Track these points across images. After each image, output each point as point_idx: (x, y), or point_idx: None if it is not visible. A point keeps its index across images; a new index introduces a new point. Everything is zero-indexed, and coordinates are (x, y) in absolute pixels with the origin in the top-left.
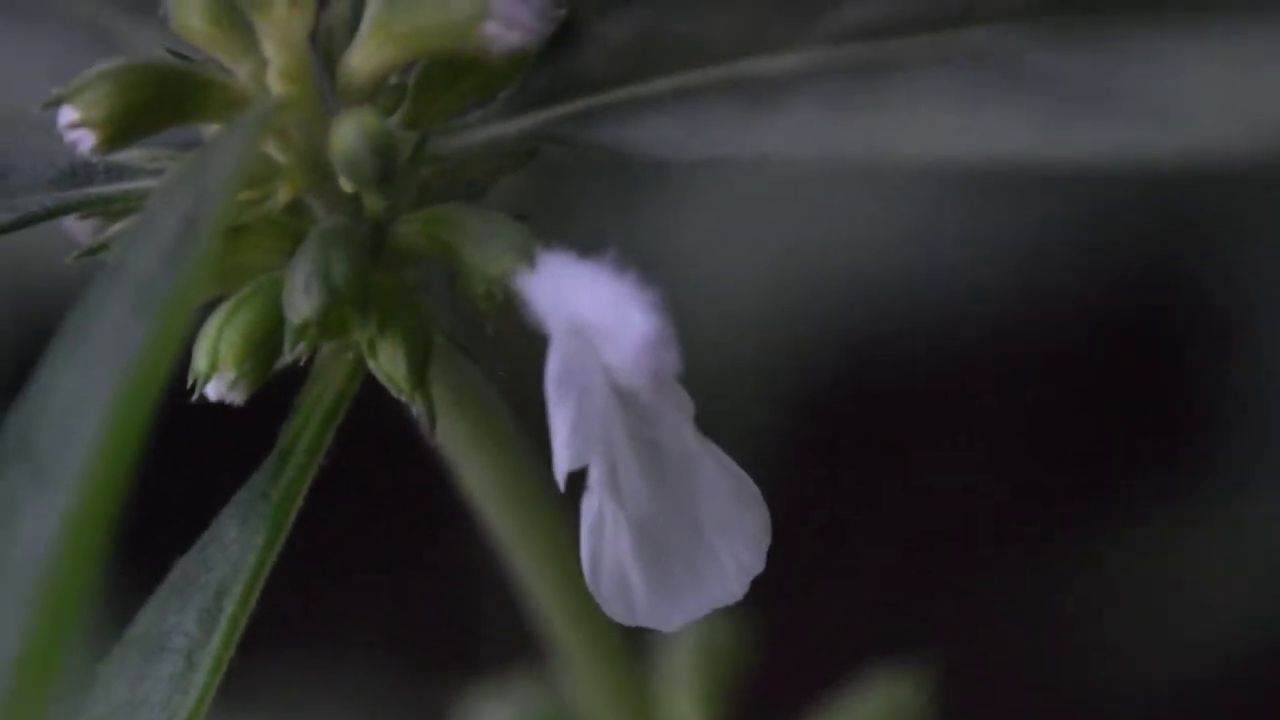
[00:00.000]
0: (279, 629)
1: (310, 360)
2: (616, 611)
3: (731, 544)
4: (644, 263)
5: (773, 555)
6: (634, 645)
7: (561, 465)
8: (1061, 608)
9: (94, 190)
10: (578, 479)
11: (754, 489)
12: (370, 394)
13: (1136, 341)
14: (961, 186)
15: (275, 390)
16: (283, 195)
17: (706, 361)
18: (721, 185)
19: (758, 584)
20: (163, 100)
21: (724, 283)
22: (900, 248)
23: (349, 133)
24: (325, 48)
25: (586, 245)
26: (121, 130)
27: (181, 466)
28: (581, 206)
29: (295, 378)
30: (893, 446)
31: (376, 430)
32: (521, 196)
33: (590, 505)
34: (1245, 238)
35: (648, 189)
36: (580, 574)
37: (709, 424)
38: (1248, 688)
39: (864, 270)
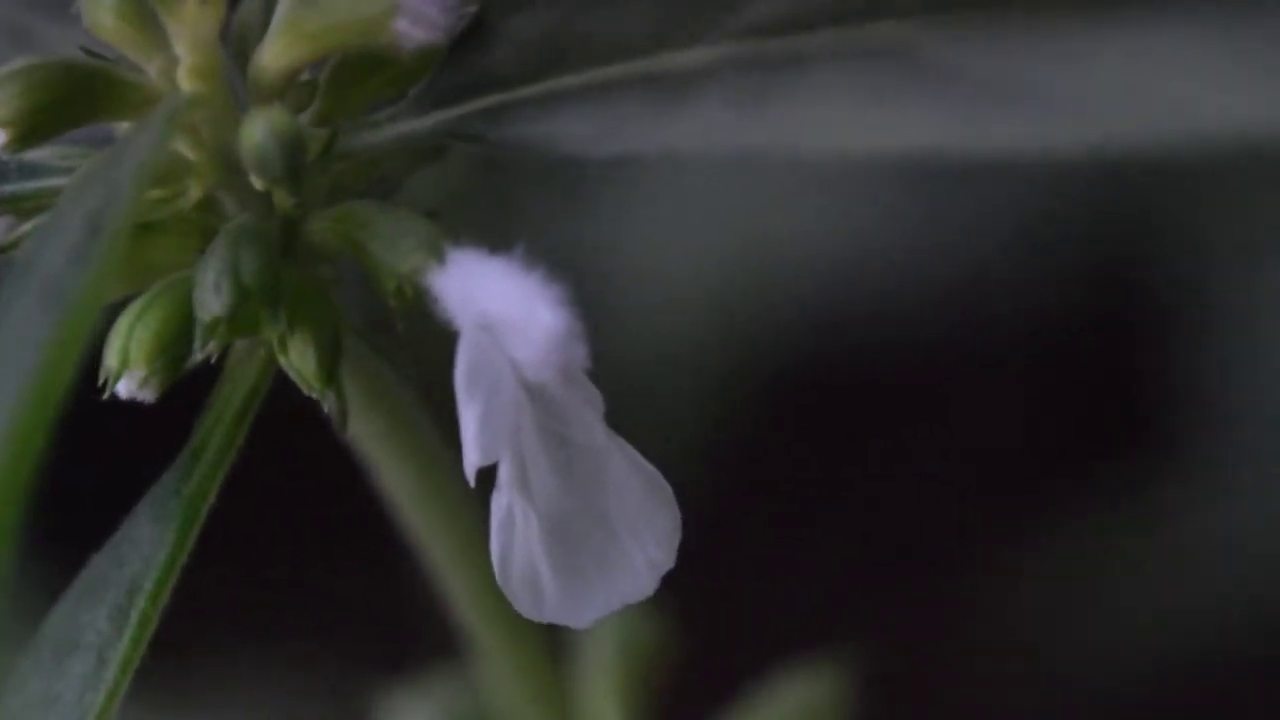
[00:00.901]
0: (203, 627)
1: (222, 358)
2: (526, 608)
3: (642, 540)
4: (568, 258)
5: (702, 550)
6: (553, 643)
7: (471, 461)
8: (1009, 604)
9: (5, 188)
10: (489, 476)
11: (665, 486)
12: (293, 391)
13: (1094, 336)
14: (911, 180)
15: (190, 387)
16: (194, 193)
17: (649, 355)
18: (667, 180)
19: (680, 580)
20: (73, 98)
21: (670, 277)
22: (847, 242)
23: (259, 130)
24: (236, 45)
25: (531, 241)
26: (32, 128)
27: (98, 464)
28: (521, 208)
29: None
30: (835, 442)
31: (299, 427)
32: (441, 192)
33: (500, 502)
34: (1209, 231)
35: (595, 184)
36: (491, 570)
37: (648, 418)
38: (1208, 689)
39: (810, 264)
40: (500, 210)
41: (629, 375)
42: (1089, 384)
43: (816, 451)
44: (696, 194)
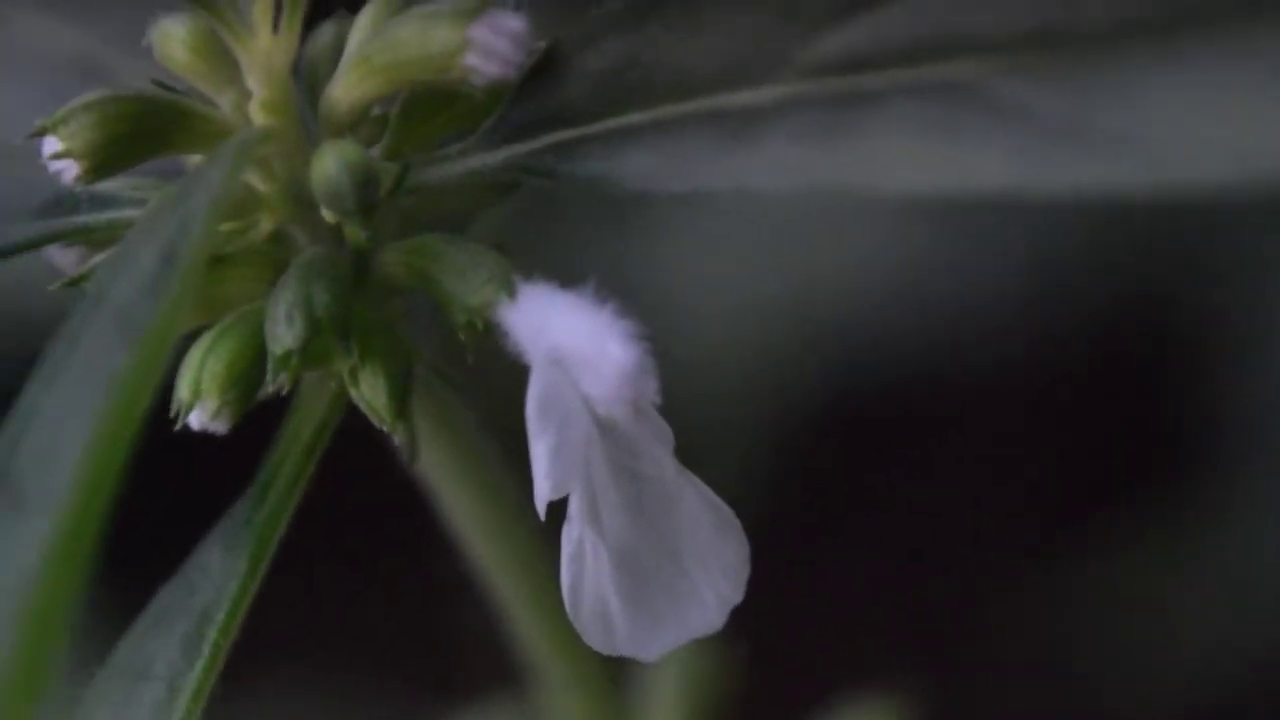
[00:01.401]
0: (261, 655)
1: (293, 390)
2: (596, 640)
3: (711, 575)
4: (627, 292)
5: (757, 583)
6: (616, 673)
7: (542, 495)
8: (1050, 634)
9: (77, 220)
10: (559, 509)
11: (734, 520)
12: (354, 421)
13: (1129, 367)
14: (951, 214)
15: (258, 419)
16: (265, 225)
17: (693, 391)
18: (711, 215)
19: (742, 611)
20: (145, 131)
21: (713, 312)
22: (888, 276)
23: (331, 163)
24: (308, 79)
25: (574, 275)
26: (104, 160)
27: (163, 495)
28: (570, 236)
29: (279, 406)
30: (879, 475)
31: (359, 456)
32: (508, 226)
33: (570, 535)
34: (1238, 267)
35: (638, 217)
36: (560, 602)
37: (694, 453)
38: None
39: (850, 299)
40: (547, 242)
41: (680, 407)
42: (1125, 413)
43: (863, 481)
44: (735, 232)
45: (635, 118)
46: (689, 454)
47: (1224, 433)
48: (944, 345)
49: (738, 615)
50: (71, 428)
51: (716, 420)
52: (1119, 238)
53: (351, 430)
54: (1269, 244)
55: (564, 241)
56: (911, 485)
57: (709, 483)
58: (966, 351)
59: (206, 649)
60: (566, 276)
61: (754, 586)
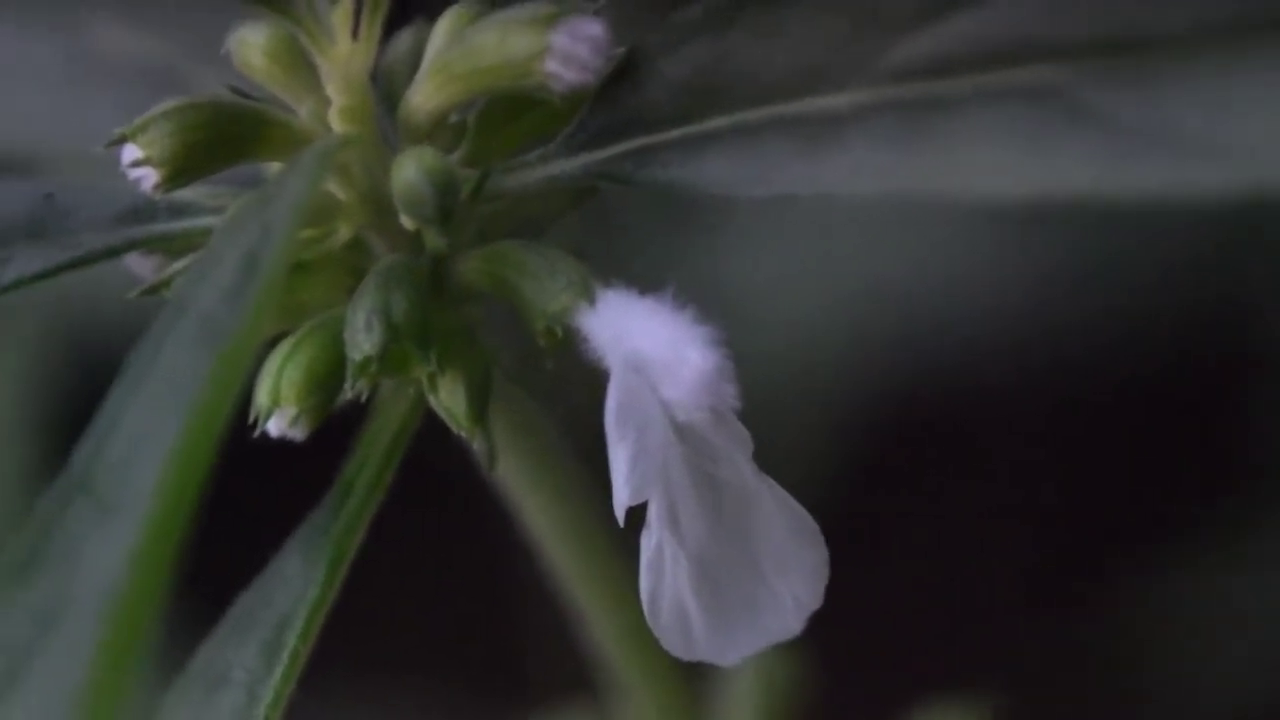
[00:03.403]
0: (336, 661)
1: (371, 397)
2: (675, 646)
3: (789, 580)
4: (702, 298)
5: (832, 588)
6: (693, 678)
7: (621, 500)
8: (1110, 647)
9: (156, 228)
10: (637, 514)
11: (813, 525)
12: (429, 424)
13: (1190, 380)
14: (1021, 223)
15: (337, 427)
16: (344, 232)
17: (764, 397)
18: (779, 221)
19: (817, 616)
20: (224, 138)
21: (782, 318)
22: (957, 284)
23: (410, 170)
24: (386, 86)
25: (645, 281)
26: (183, 168)
27: (243, 502)
28: (641, 241)
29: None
30: (950, 481)
31: (433, 461)
32: (580, 229)
33: (649, 541)
34: None
35: (707, 223)
36: (638, 608)
37: (767, 458)
38: None
39: (920, 306)
40: (616, 249)
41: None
42: (1188, 428)
43: (930, 488)
44: (804, 238)
45: (714, 123)
46: (764, 459)
47: (1270, 446)
48: (1004, 352)
49: (815, 622)
50: (155, 434)
51: (780, 426)
52: (1178, 251)
53: (429, 436)
54: None
55: (631, 249)
56: (978, 494)
57: (786, 488)
58: (1026, 359)
59: (285, 655)
60: (638, 282)
61: (831, 592)
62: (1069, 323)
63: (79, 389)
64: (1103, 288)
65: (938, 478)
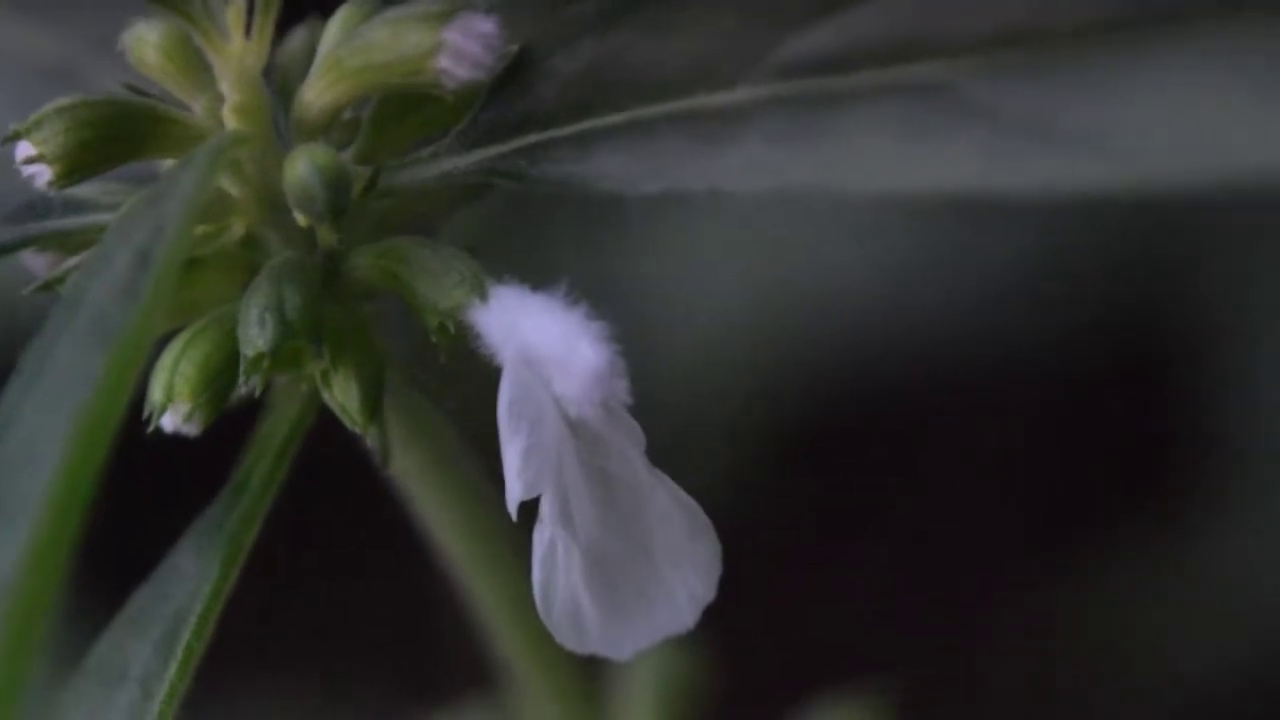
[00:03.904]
0: (236, 658)
1: (265, 393)
2: (568, 640)
3: (683, 573)
4: (606, 294)
5: (734, 585)
6: (592, 674)
7: (514, 495)
8: (1042, 641)
9: (51, 224)
10: (531, 509)
11: (705, 520)
12: (330, 423)
13: (1124, 375)
14: (935, 219)
15: (231, 422)
16: (238, 229)
17: (678, 391)
18: (696, 212)
19: (718, 613)
20: (118, 135)
21: (695, 316)
22: (872, 281)
23: (302, 167)
24: (280, 84)
25: (550, 277)
26: (78, 164)
27: (138, 498)
28: (551, 242)
29: (252, 409)
30: (862, 479)
31: (334, 457)
32: (484, 229)
33: (542, 535)
34: (1232, 272)
35: (622, 216)
36: (533, 602)
37: (679, 454)
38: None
39: (833, 304)
40: (529, 244)
41: (660, 409)
42: (1120, 419)
43: (845, 485)
44: (727, 229)
45: (607, 120)
46: (667, 458)
47: (1221, 439)
48: (929, 352)
49: (714, 617)
50: (48, 433)
51: (696, 424)
52: (1117, 241)
53: (326, 433)
54: (1262, 247)
55: (545, 248)
56: (895, 490)
57: (691, 485)
58: (953, 358)
59: (180, 651)
60: (544, 281)
61: (730, 588)
62: (995, 318)
63: None
64: (1046, 275)
65: (853, 475)
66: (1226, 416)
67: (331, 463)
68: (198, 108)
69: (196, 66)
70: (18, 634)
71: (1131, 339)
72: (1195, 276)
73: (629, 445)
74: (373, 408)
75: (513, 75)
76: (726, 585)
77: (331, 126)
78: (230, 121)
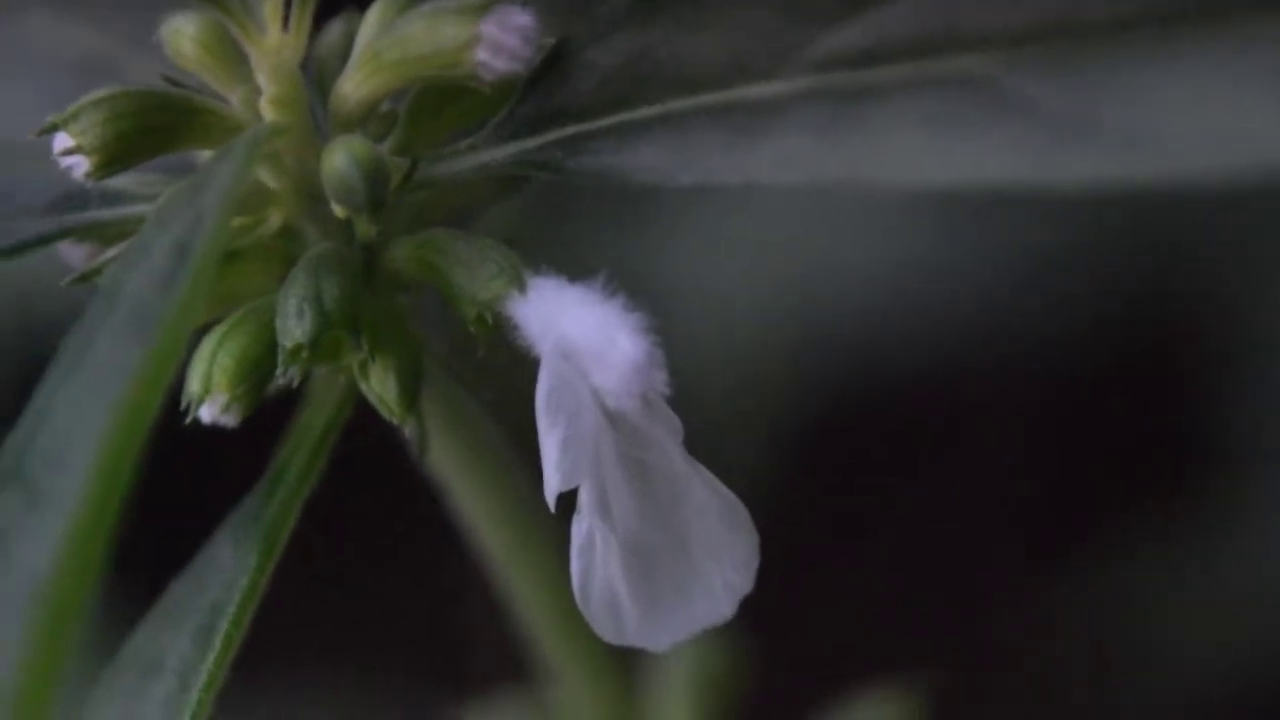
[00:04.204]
0: (273, 648)
1: (303, 384)
2: (606, 631)
3: (720, 565)
4: (636, 286)
5: (767, 578)
6: (627, 666)
7: (552, 487)
8: (1055, 637)
9: (88, 216)
10: (569, 501)
11: (743, 511)
12: (365, 415)
13: (1135, 372)
14: (957, 215)
15: (269, 413)
16: (275, 221)
17: (703, 384)
18: (719, 214)
19: (753, 605)
20: (155, 126)
21: (722, 305)
22: (894, 275)
23: (340, 159)
24: (318, 75)
25: (582, 269)
26: (115, 156)
27: (175, 489)
28: (581, 233)
29: (290, 401)
30: (887, 470)
31: (369, 449)
32: (517, 220)
33: (580, 527)
34: (1246, 271)
35: (649, 215)
36: (571, 594)
37: (704, 446)
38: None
39: (857, 298)
40: (560, 239)
41: (688, 401)
42: (1133, 416)
43: (870, 478)
44: (744, 226)
45: (643, 112)
46: (697, 448)
47: (1232, 436)
48: (950, 344)
49: (748, 609)
50: (85, 424)
51: (724, 416)
52: (1126, 240)
53: (363, 424)
54: (1276, 244)
55: (576, 238)
56: (920, 482)
57: (719, 477)
58: (971, 352)
59: (218, 642)
60: (578, 272)
61: (764, 581)
62: (1013, 314)
63: (15, 379)
64: (1058, 275)
65: (877, 468)
66: (1236, 416)
67: (368, 453)
68: (235, 100)
69: (234, 59)
70: (54, 626)
71: (1147, 337)
72: (1210, 275)
73: (667, 437)
74: (410, 399)
75: (549, 68)
76: (761, 578)
77: (369, 119)
78: (268, 113)
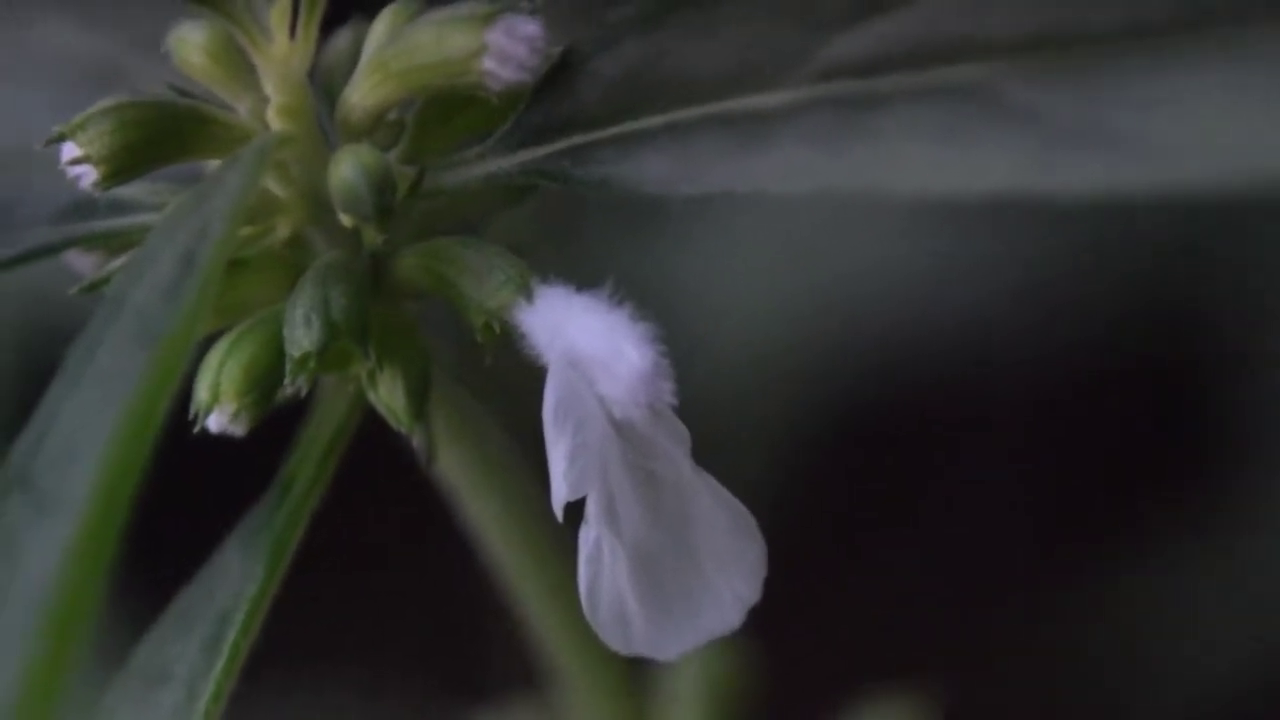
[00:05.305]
0: (281, 656)
1: (311, 393)
2: (614, 640)
3: (727, 574)
4: (645, 295)
5: (775, 586)
6: (636, 674)
7: (560, 496)
8: (1067, 641)
9: (96, 225)
10: (576, 510)
11: (750, 520)
12: (375, 420)
13: (1148, 371)
14: (968, 221)
15: (277, 422)
16: (283, 230)
17: (711, 393)
18: (731, 222)
19: (761, 613)
20: (163, 136)
21: (731, 313)
22: (906, 283)
23: (347, 168)
24: (325, 85)
25: (590, 277)
26: (123, 165)
27: (183, 498)
28: (592, 242)
29: (297, 410)
30: (896, 479)
31: (380, 458)
32: (525, 228)
33: (588, 536)
34: (1257, 273)
35: (660, 223)
36: (579, 603)
37: (712, 455)
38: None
39: (869, 305)
40: (570, 248)
41: (698, 410)
42: (1146, 420)
43: (882, 485)
44: (754, 235)
45: (649, 121)
46: (707, 458)
47: (1247, 440)
48: (961, 351)
49: (757, 617)
50: (92, 431)
51: (735, 425)
52: (1137, 244)
53: (370, 430)
54: None
55: (584, 247)
56: (929, 490)
57: (727, 486)
58: (984, 357)
59: (226, 650)
60: (587, 281)
61: (772, 589)
62: (1026, 318)
63: (21, 387)
64: (1059, 284)
65: (889, 475)
66: (1250, 420)
67: (376, 459)
68: (242, 109)
69: (241, 68)
70: (60, 632)
71: (1159, 342)
72: (1222, 278)
73: (674, 446)
74: (419, 407)
75: (556, 77)
76: (769, 585)
77: (376, 128)
78: (275, 122)
